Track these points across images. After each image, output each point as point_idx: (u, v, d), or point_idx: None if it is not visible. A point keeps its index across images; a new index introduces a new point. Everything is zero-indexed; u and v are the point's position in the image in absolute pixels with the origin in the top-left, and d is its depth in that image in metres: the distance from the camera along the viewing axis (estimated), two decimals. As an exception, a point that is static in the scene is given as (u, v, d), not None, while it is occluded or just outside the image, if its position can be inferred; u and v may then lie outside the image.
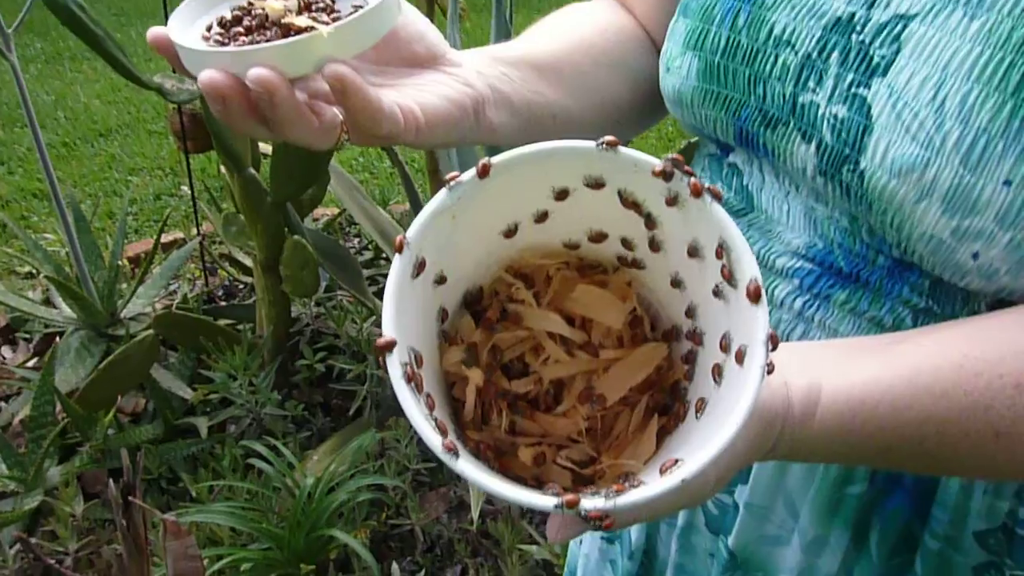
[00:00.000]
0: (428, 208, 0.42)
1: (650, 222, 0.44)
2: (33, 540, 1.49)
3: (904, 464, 0.49)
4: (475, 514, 1.49)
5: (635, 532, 0.71)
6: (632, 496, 0.37)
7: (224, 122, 0.49)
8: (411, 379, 0.39)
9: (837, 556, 0.59)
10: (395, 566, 1.47)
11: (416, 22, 0.55)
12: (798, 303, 0.55)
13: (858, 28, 0.49)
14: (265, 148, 1.83)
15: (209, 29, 0.52)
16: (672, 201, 0.42)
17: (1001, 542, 0.55)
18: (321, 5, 0.52)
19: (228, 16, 0.52)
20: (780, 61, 0.52)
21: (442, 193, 0.42)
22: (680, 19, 0.59)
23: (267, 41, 0.47)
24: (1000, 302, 0.49)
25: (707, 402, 0.42)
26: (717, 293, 0.42)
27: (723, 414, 0.39)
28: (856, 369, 0.46)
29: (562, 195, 0.44)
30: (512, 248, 0.48)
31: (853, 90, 0.49)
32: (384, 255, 2.16)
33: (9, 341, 2.13)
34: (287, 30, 0.48)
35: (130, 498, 0.96)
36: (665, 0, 0.64)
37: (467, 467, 0.37)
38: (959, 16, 0.46)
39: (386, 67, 0.54)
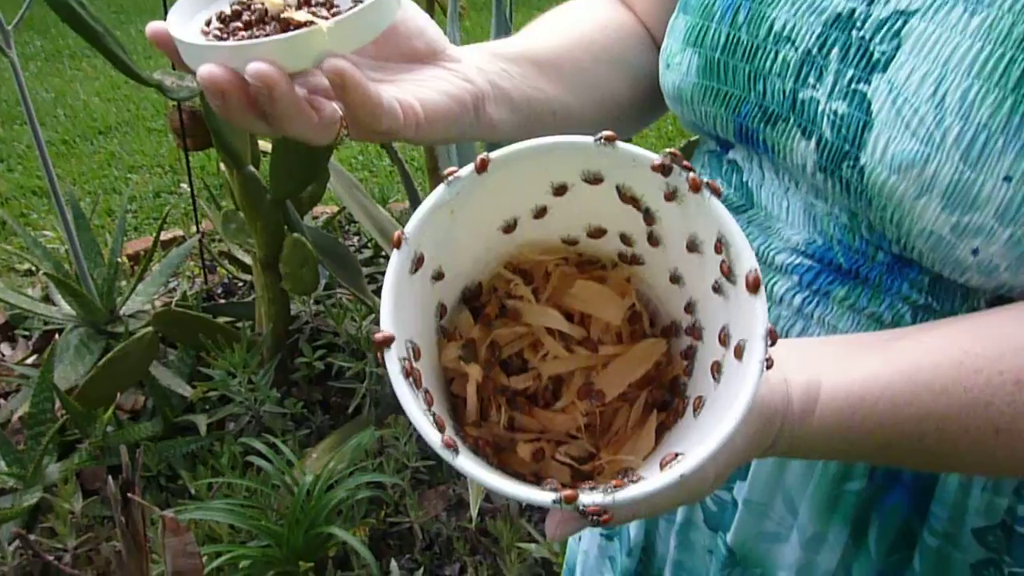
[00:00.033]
0: (426, 203, 0.41)
1: (649, 217, 0.44)
2: (32, 537, 1.49)
3: (903, 461, 0.49)
4: (474, 512, 1.49)
5: (634, 529, 0.71)
6: (631, 491, 0.37)
7: (223, 117, 0.49)
8: (409, 374, 0.39)
9: (836, 553, 0.59)
10: (394, 564, 1.47)
11: (416, 17, 0.55)
12: (797, 299, 0.55)
13: (858, 24, 0.49)
14: (265, 146, 1.83)
15: (208, 24, 0.52)
16: (671, 196, 0.42)
17: (1000, 539, 0.55)
18: (321, 0, 0.51)
19: (227, 11, 0.52)
20: (780, 57, 0.52)
21: (440, 188, 0.42)
22: (680, 15, 0.59)
23: (266, 36, 0.47)
24: (999, 298, 0.49)
25: (705, 400, 0.42)
26: (716, 289, 0.42)
27: (722, 409, 0.39)
28: (856, 366, 0.46)
29: (560, 190, 0.44)
30: (511, 244, 0.48)
31: (853, 86, 0.49)
32: (383, 253, 2.16)
33: (8, 338, 2.13)
34: (286, 25, 0.48)
35: (129, 495, 0.96)
36: None
37: (466, 463, 0.37)
38: (959, 12, 0.45)
39: (385, 63, 0.54)
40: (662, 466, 0.38)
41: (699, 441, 0.38)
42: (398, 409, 1.72)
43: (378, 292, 1.89)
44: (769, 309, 0.49)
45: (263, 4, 0.50)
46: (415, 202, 1.95)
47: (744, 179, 0.59)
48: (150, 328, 1.64)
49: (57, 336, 1.85)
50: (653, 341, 0.48)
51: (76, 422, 1.63)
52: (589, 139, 0.41)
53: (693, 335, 0.46)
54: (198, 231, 2.22)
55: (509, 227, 0.46)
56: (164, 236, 2.52)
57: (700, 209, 0.41)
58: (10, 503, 1.54)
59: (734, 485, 0.62)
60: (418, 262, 0.42)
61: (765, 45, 0.53)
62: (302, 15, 0.49)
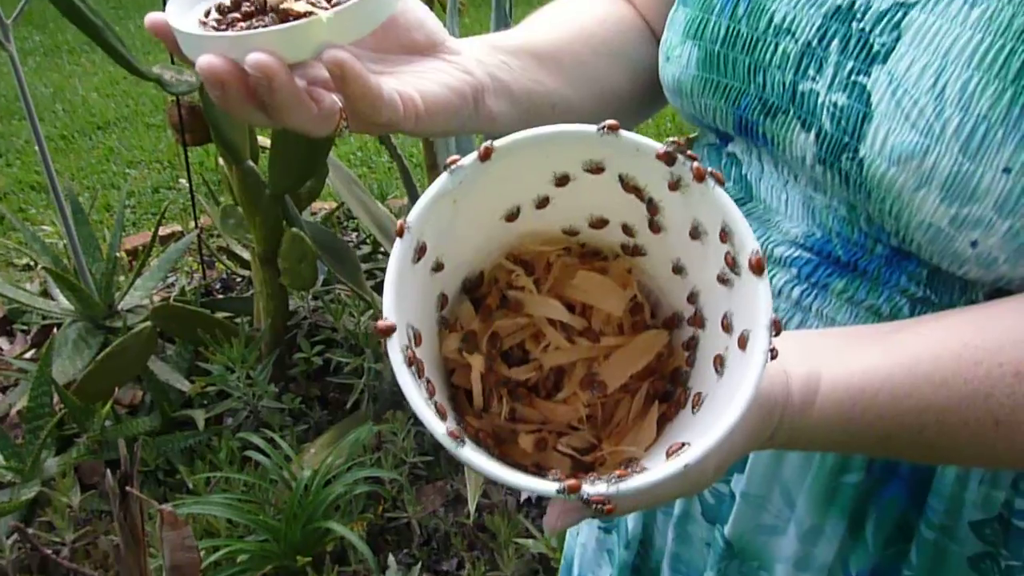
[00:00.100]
0: (429, 192, 0.41)
1: (652, 207, 0.44)
2: (30, 530, 1.49)
3: (903, 453, 0.49)
4: (472, 508, 1.49)
5: (632, 522, 0.71)
6: (635, 481, 0.37)
7: (223, 108, 0.49)
8: (412, 363, 0.39)
9: (833, 545, 0.59)
10: (391, 559, 1.47)
11: (415, 9, 0.55)
12: (796, 292, 0.55)
13: (858, 16, 0.49)
14: (264, 141, 1.83)
15: (207, 15, 0.51)
16: (674, 185, 0.41)
17: (997, 532, 0.55)
18: None
19: (226, 2, 0.51)
20: (780, 49, 0.52)
21: (443, 177, 0.41)
22: (680, 8, 0.59)
23: (265, 27, 0.47)
24: (998, 291, 0.49)
25: (704, 397, 0.42)
26: (721, 279, 0.42)
27: (724, 400, 0.39)
28: (855, 358, 0.46)
29: (563, 180, 0.44)
30: (512, 234, 0.48)
31: (853, 78, 0.49)
32: (382, 249, 2.16)
33: (7, 332, 2.13)
34: (285, 16, 0.48)
35: (127, 489, 0.96)
36: None
37: (471, 454, 0.37)
38: (959, 3, 0.45)
39: (385, 55, 0.54)
40: (668, 455, 0.38)
41: (701, 433, 0.38)
42: (396, 405, 1.73)
43: (376, 288, 1.89)
44: None
45: None
46: (414, 198, 1.95)
47: (743, 172, 0.59)
48: (148, 323, 1.64)
49: (55, 330, 1.85)
50: (655, 332, 0.48)
51: (74, 416, 1.63)
52: (592, 128, 0.41)
53: (695, 324, 0.45)
54: (196, 226, 2.22)
55: (512, 215, 0.46)
56: (162, 231, 2.52)
57: (704, 198, 0.41)
58: (8, 497, 1.54)
59: (732, 478, 0.62)
60: (420, 251, 0.42)
61: (765, 37, 0.53)
62: (301, 5, 0.48)
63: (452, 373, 0.48)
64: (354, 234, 2.45)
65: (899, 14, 0.48)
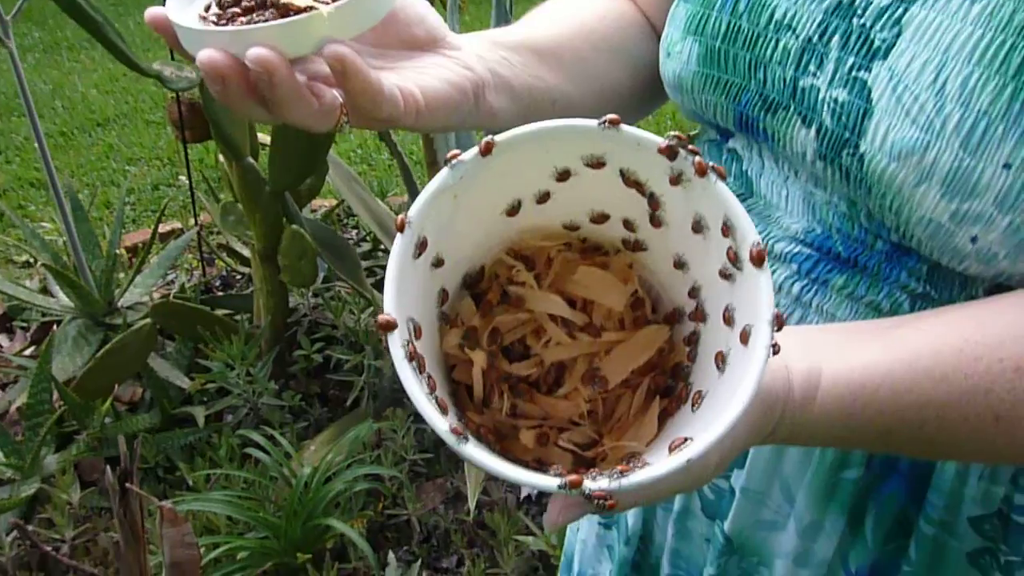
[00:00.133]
0: (430, 187, 0.41)
1: (653, 202, 0.44)
2: (30, 527, 1.49)
3: (903, 448, 0.49)
4: (472, 505, 1.49)
5: (632, 517, 0.71)
6: (637, 476, 0.37)
7: (223, 103, 0.49)
8: (413, 358, 0.39)
9: (832, 541, 0.59)
10: (391, 556, 1.47)
11: (415, 5, 0.55)
12: (796, 288, 0.55)
13: (859, 11, 0.49)
14: (264, 138, 1.83)
15: (207, 9, 0.51)
16: (676, 180, 0.41)
17: (996, 528, 0.56)
18: None
19: None
20: (781, 45, 0.52)
21: (444, 171, 0.41)
22: (680, 4, 0.59)
23: (266, 21, 0.47)
24: (998, 287, 0.49)
25: (705, 394, 0.42)
26: (723, 275, 0.42)
27: (727, 395, 0.39)
28: (856, 353, 0.46)
29: (564, 176, 0.44)
30: (512, 229, 0.48)
31: (854, 73, 0.49)
32: (382, 246, 2.16)
33: (6, 329, 2.13)
34: (286, 11, 0.48)
35: (127, 485, 0.96)
36: None
37: (474, 451, 0.37)
38: None
39: (385, 50, 0.54)
40: (671, 450, 0.38)
41: (703, 428, 0.38)
42: (396, 402, 1.73)
43: (376, 285, 1.89)
44: None
45: None
46: (414, 195, 1.94)
47: (743, 168, 0.59)
48: (148, 320, 1.64)
49: (55, 327, 1.84)
50: (656, 328, 0.48)
51: (74, 413, 1.63)
52: (593, 123, 0.41)
53: (697, 318, 0.45)
54: (196, 223, 2.22)
55: (513, 209, 0.46)
56: (162, 228, 2.52)
57: (705, 193, 0.41)
58: (8, 494, 1.54)
59: (732, 473, 0.62)
60: (421, 246, 0.42)
61: (766, 33, 0.53)
62: (302, 1, 0.48)
63: (453, 369, 0.48)
64: (354, 231, 2.45)
65: (900, 10, 0.48)
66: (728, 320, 0.42)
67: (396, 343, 0.38)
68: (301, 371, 1.85)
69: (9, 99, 3.87)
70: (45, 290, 2.03)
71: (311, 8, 0.47)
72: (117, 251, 1.87)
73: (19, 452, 1.57)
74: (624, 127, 0.41)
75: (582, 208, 0.47)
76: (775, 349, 0.38)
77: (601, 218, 0.47)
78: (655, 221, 0.45)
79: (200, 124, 1.86)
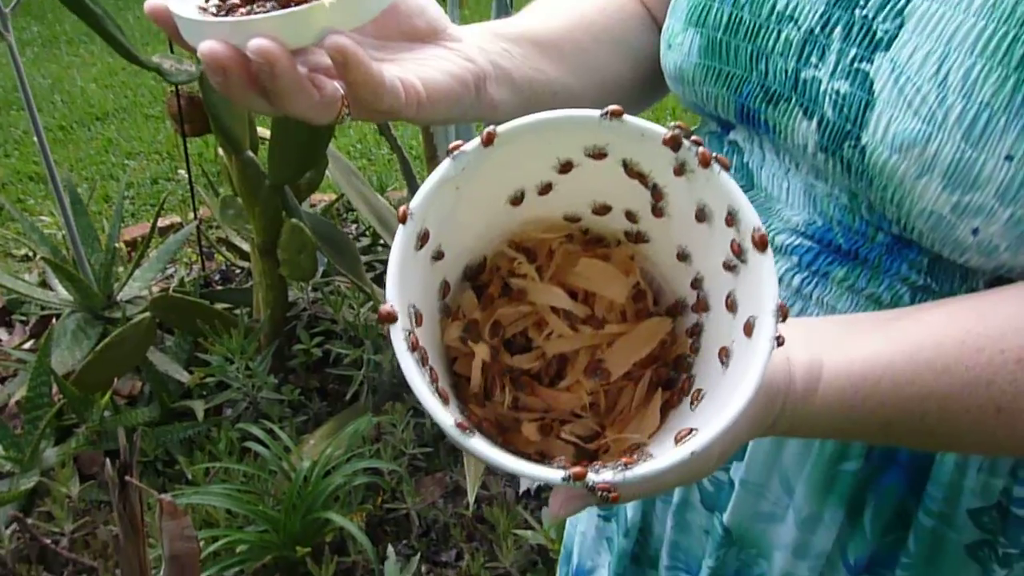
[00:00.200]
0: (432, 178, 0.41)
1: (656, 193, 0.44)
2: (29, 521, 1.49)
3: (904, 440, 0.50)
4: (471, 499, 1.50)
5: (631, 510, 0.71)
6: (641, 469, 0.37)
7: (224, 94, 0.49)
8: (415, 348, 0.39)
9: (831, 533, 0.59)
10: (390, 549, 1.47)
11: None
12: (796, 280, 0.55)
13: (861, 2, 0.49)
14: (263, 132, 1.83)
15: (207, 0, 0.51)
16: (680, 171, 0.41)
17: (995, 520, 0.56)
18: None
19: None
20: (783, 37, 0.52)
21: (446, 162, 0.41)
22: (682, -4, 0.59)
23: (267, 12, 0.47)
24: (998, 279, 0.49)
25: (704, 393, 0.42)
26: (727, 267, 0.42)
27: (730, 387, 0.39)
28: (857, 345, 0.46)
29: (566, 167, 0.44)
30: (514, 221, 0.48)
31: (856, 65, 0.49)
32: (382, 241, 2.15)
33: (5, 323, 2.13)
34: (287, 1, 0.48)
35: (126, 479, 0.96)
36: None
37: (479, 444, 0.37)
38: None
39: (386, 41, 0.54)
40: (678, 440, 0.38)
41: (706, 420, 0.38)
42: (395, 396, 1.74)
43: (376, 279, 1.89)
44: None
45: None
46: (413, 190, 1.94)
47: (744, 160, 0.59)
48: (147, 314, 1.64)
49: (54, 321, 1.84)
50: (658, 320, 0.48)
51: (73, 407, 1.64)
52: (595, 113, 0.41)
53: (699, 309, 0.45)
54: (196, 217, 2.22)
55: (516, 199, 0.46)
56: (161, 222, 2.52)
57: (709, 184, 0.41)
58: (7, 487, 1.54)
59: (731, 465, 0.62)
60: (423, 238, 0.42)
61: (768, 24, 0.53)
62: None
63: (455, 361, 0.48)
64: (353, 226, 2.45)
65: (902, 1, 0.47)
66: (731, 307, 0.42)
67: (398, 335, 0.38)
68: (300, 365, 1.85)
69: (8, 93, 3.86)
70: (44, 284, 2.03)
71: None
72: (116, 245, 1.88)
73: (18, 445, 1.58)
74: (627, 117, 0.41)
75: (584, 199, 0.47)
76: (779, 341, 0.38)
77: (603, 209, 0.47)
78: (657, 212, 0.45)
79: (199, 118, 1.85)
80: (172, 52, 1.51)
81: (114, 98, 3.94)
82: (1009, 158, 0.44)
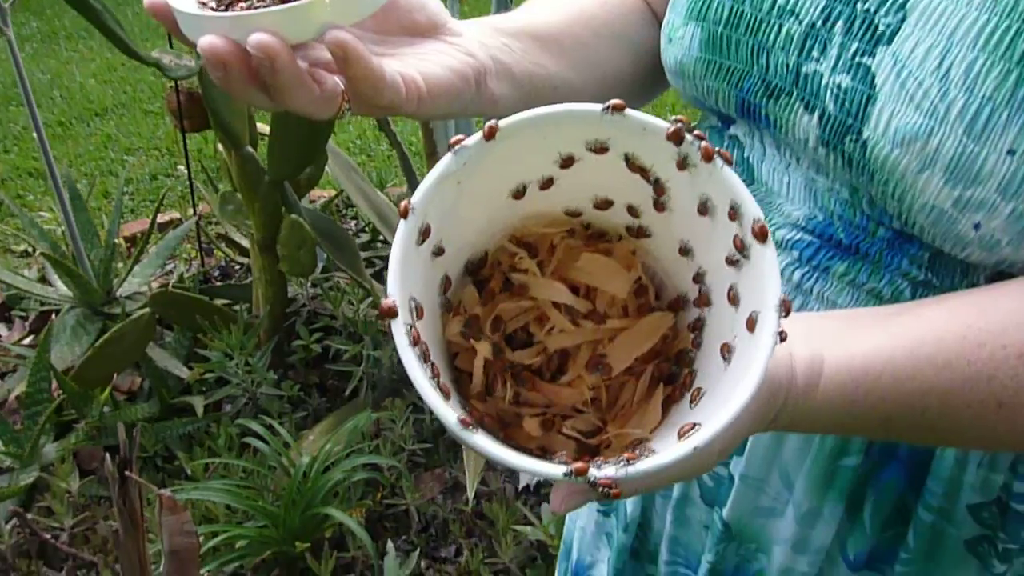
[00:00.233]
0: (433, 173, 0.41)
1: (658, 187, 0.44)
2: (29, 516, 1.50)
3: (904, 435, 0.50)
4: (470, 494, 1.50)
5: (630, 505, 0.71)
6: (643, 464, 0.37)
7: (224, 89, 0.49)
8: (416, 342, 0.39)
9: (831, 528, 0.59)
10: (390, 545, 1.47)
11: None
12: (797, 275, 0.55)
13: None
14: (263, 127, 1.83)
15: None
16: (682, 165, 0.41)
17: (995, 515, 0.56)
18: None
19: None
20: (784, 31, 0.52)
21: (447, 157, 0.41)
22: (683, -10, 0.59)
23: (267, 7, 0.47)
24: (999, 274, 0.49)
25: (704, 392, 0.42)
26: (730, 261, 0.42)
27: (732, 382, 0.39)
28: (858, 340, 0.46)
29: (568, 161, 0.44)
30: (515, 216, 0.48)
31: (857, 59, 0.49)
32: (381, 237, 2.15)
33: (5, 319, 2.13)
34: None
35: (126, 474, 0.96)
36: None
37: (483, 441, 0.37)
38: None
39: (386, 36, 0.54)
40: (680, 435, 0.38)
41: (708, 415, 0.38)
42: (395, 392, 1.74)
43: (376, 276, 1.89)
44: None
45: None
46: (413, 186, 1.94)
47: (745, 155, 0.59)
48: (147, 309, 1.64)
49: (54, 317, 1.84)
50: (660, 315, 0.48)
51: (73, 402, 1.64)
52: (597, 107, 0.41)
53: (701, 304, 0.45)
54: (195, 213, 2.21)
55: (518, 194, 0.46)
56: (161, 218, 2.52)
57: (711, 178, 0.41)
58: (7, 482, 1.54)
59: (731, 460, 0.62)
60: (424, 233, 0.42)
61: (769, 18, 0.53)
62: None
63: (456, 356, 0.48)
64: (353, 222, 2.45)
65: None
66: (733, 301, 0.41)
67: (400, 330, 0.38)
68: (300, 361, 1.85)
69: (7, 89, 3.85)
70: (44, 279, 2.02)
71: None
72: (116, 241, 1.87)
73: (18, 441, 1.58)
74: (629, 112, 0.41)
75: (585, 194, 0.47)
76: (782, 336, 0.38)
77: (605, 204, 0.47)
78: (659, 207, 0.45)
79: (199, 113, 1.85)
80: (171, 47, 1.51)
81: (113, 94, 3.93)
82: (1011, 152, 0.43)
